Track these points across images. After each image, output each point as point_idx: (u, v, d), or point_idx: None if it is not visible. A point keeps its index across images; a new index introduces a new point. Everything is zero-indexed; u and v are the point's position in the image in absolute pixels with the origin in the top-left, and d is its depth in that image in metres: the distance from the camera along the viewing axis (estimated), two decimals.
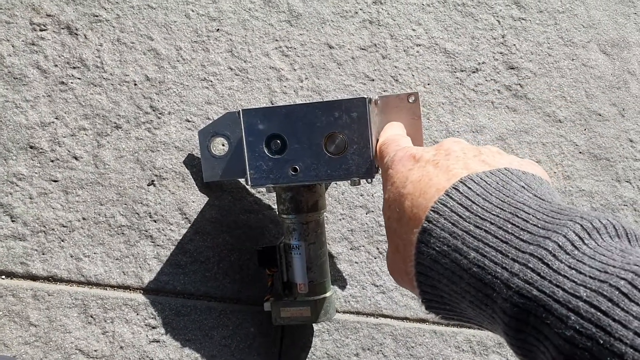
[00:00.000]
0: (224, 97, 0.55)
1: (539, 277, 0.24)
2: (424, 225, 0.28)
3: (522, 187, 0.29)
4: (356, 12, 0.59)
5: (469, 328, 0.38)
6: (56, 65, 0.54)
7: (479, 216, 0.27)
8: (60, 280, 0.51)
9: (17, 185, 0.52)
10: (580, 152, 0.60)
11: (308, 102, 0.44)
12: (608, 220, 0.26)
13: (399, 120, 0.46)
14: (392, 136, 0.42)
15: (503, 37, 0.61)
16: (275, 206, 0.54)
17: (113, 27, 0.55)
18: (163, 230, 0.52)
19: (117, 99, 0.54)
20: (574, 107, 0.61)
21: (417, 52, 0.59)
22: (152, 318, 0.51)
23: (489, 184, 0.28)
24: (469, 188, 0.28)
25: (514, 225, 0.26)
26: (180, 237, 0.52)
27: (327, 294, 0.48)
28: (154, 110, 0.54)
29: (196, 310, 0.51)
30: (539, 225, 0.26)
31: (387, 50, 0.58)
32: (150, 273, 0.51)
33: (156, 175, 0.53)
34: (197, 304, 0.51)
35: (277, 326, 0.51)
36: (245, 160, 0.44)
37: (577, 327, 0.22)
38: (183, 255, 0.52)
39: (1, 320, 0.50)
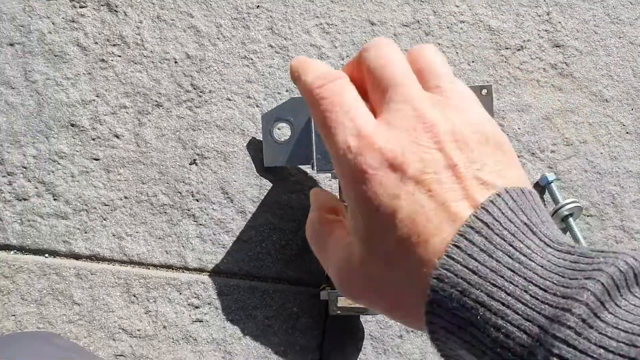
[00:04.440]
0: (265, 76, 0.54)
1: (571, 349, 0.21)
2: (432, 297, 0.24)
3: (527, 225, 0.24)
4: None
5: None
6: (96, 43, 0.53)
7: (490, 282, 0.23)
8: (103, 259, 0.51)
9: (58, 164, 0.51)
10: (627, 133, 0.58)
11: None
12: (627, 263, 0.22)
13: None
14: (333, 86, 0.27)
15: (548, 15, 0.59)
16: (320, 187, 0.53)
17: (153, 4, 0.54)
18: (205, 209, 0.52)
19: (158, 77, 0.53)
20: (621, 86, 0.59)
21: (461, 28, 0.57)
22: (195, 297, 0.50)
23: (493, 230, 0.24)
24: (472, 242, 0.24)
25: (532, 296, 0.22)
26: (223, 217, 0.52)
27: None
28: (194, 89, 0.53)
29: (239, 290, 0.51)
30: (558, 294, 0.22)
31: (430, 27, 0.57)
32: (193, 252, 0.51)
33: (198, 154, 0.52)
34: (239, 283, 0.51)
35: (321, 307, 0.51)
36: (311, 145, 0.43)
37: None
38: (226, 235, 0.51)
39: (45, 299, 0.49)
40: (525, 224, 0.24)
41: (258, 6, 0.55)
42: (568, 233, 0.55)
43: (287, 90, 0.54)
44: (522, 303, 0.22)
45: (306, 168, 0.53)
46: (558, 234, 0.25)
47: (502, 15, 0.58)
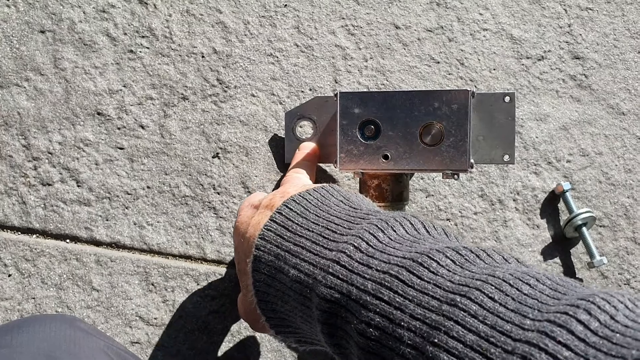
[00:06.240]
0: (289, 74, 0.55)
1: (338, 280, 0.26)
2: (255, 253, 0.31)
3: (340, 200, 0.32)
4: None
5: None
6: (125, 34, 0.54)
7: (297, 234, 0.29)
8: (123, 247, 0.51)
9: (83, 151, 0.52)
10: None
11: (408, 89, 0.43)
12: (405, 217, 0.29)
13: (491, 119, 0.45)
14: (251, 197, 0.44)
15: (569, 27, 0.60)
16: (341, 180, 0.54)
17: None
18: (226, 202, 0.52)
19: (185, 70, 0.54)
20: (638, 100, 0.60)
21: (484, 36, 0.58)
22: (213, 289, 0.51)
23: (310, 202, 0.32)
24: (291, 209, 0.31)
25: (325, 237, 0.28)
26: None
27: None
28: (220, 84, 0.54)
29: None
30: (344, 233, 0.28)
31: (454, 33, 0.58)
32: (212, 244, 0.52)
33: (221, 148, 0.53)
34: None
35: None
36: (336, 143, 0.44)
37: (368, 320, 0.24)
38: None
39: (65, 283, 0.50)
40: (341, 200, 0.32)
41: (285, 5, 0.56)
42: (581, 242, 0.56)
43: (310, 89, 0.55)
44: (316, 243, 0.28)
45: (325, 166, 0.53)
46: (360, 200, 0.33)
47: (524, 25, 0.59)
